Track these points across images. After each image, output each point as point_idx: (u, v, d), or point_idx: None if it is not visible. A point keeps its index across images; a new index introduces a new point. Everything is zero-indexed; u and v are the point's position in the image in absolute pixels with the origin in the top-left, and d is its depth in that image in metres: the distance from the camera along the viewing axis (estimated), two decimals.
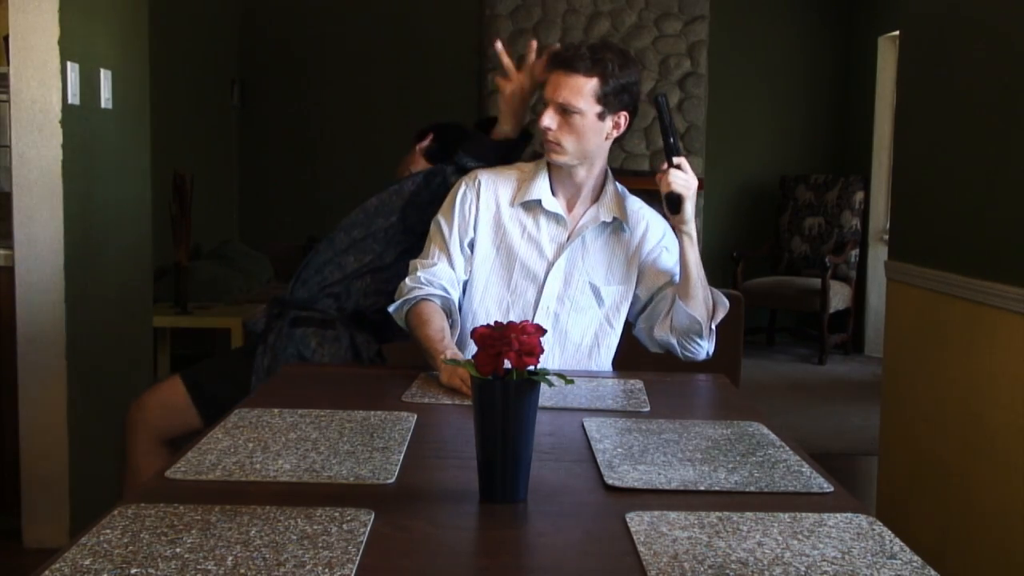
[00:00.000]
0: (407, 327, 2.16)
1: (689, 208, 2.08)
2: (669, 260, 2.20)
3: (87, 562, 1.07)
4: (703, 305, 2.11)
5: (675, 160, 2.08)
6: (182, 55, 5.99)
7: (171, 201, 5.12)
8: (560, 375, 1.35)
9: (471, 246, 2.20)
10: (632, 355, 2.30)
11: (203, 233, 6.29)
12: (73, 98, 3.09)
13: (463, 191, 2.22)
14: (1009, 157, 2.43)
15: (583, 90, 2.08)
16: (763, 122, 7.36)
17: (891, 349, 3.11)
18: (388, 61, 7.22)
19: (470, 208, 2.20)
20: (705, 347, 2.15)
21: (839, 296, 6.55)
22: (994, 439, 2.46)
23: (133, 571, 1.05)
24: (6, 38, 3.11)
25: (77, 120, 3.14)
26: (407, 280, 2.18)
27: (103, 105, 3.32)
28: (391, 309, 2.19)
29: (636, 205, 2.24)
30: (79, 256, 3.16)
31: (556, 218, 2.19)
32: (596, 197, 2.21)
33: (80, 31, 3.15)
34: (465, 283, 2.21)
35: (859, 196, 6.78)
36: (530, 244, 2.19)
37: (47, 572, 1.04)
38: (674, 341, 2.15)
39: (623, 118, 2.14)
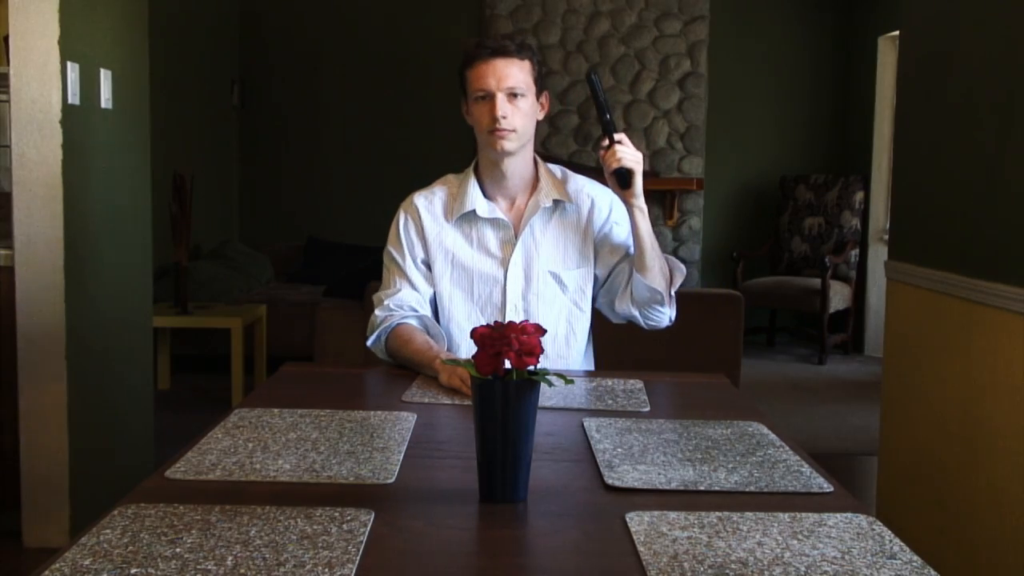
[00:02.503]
0: (388, 355, 2.16)
1: (639, 182, 2.07)
2: (621, 234, 2.21)
3: (87, 562, 1.07)
4: (660, 275, 2.13)
5: (616, 136, 2.07)
6: (182, 55, 5.99)
7: (171, 201, 5.12)
8: (560, 375, 1.35)
9: (426, 264, 2.21)
10: (633, 355, 2.30)
11: (203, 233, 6.30)
12: (73, 98, 3.09)
13: (403, 218, 2.24)
14: (1009, 157, 2.43)
15: (524, 71, 2.12)
16: (763, 122, 7.36)
17: (891, 349, 3.11)
18: (388, 61, 7.22)
19: (416, 232, 2.22)
20: (667, 314, 2.18)
21: (839, 296, 6.55)
22: (994, 439, 2.46)
23: (133, 571, 1.05)
24: (6, 38, 3.11)
25: (77, 120, 3.14)
26: (376, 312, 2.18)
27: (103, 105, 3.32)
28: (369, 343, 2.18)
29: (579, 183, 2.25)
30: (79, 256, 3.16)
31: (496, 222, 2.20)
32: (533, 187, 2.22)
33: (80, 31, 3.15)
34: (433, 298, 2.22)
35: (859, 196, 6.78)
36: (480, 252, 2.19)
37: (47, 572, 1.04)
38: (636, 312, 2.18)
39: (545, 98, 2.19)
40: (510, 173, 2.18)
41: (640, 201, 2.08)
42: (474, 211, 2.19)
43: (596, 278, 2.24)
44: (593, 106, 2.20)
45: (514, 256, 2.18)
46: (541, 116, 2.18)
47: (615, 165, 2.05)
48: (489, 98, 2.10)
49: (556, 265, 2.19)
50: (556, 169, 2.26)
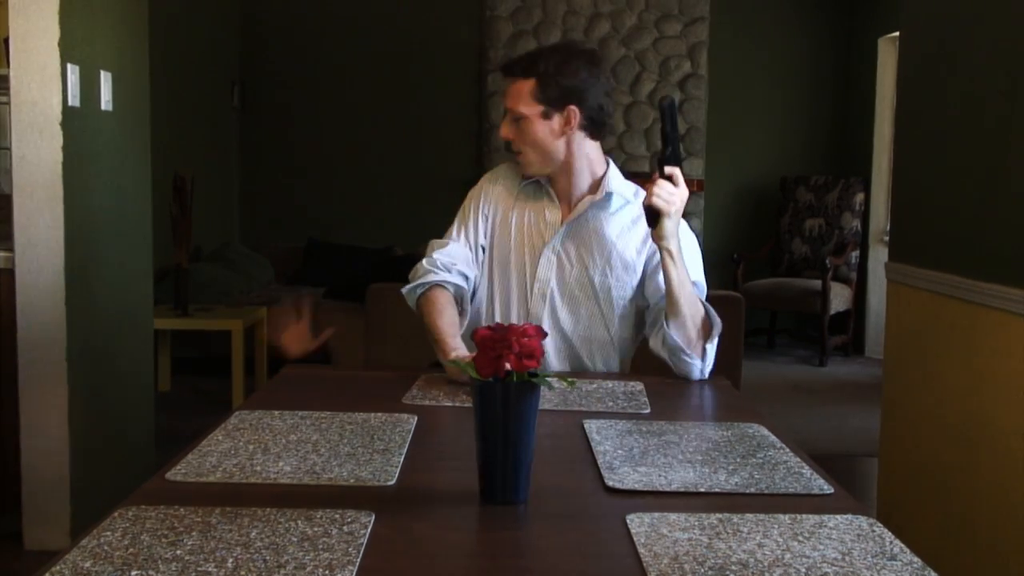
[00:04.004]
0: (417, 311, 2.19)
1: (669, 225, 1.98)
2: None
3: (87, 564, 1.07)
4: (691, 326, 2.03)
5: (667, 170, 1.97)
6: (182, 57, 5.99)
7: (171, 203, 5.12)
8: (561, 376, 1.35)
9: (483, 248, 2.23)
10: (633, 357, 2.30)
11: (203, 235, 6.30)
12: (73, 100, 3.09)
13: (484, 185, 2.27)
14: (1009, 158, 2.43)
15: (522, 93, 2.10)
16: (763, 123, 7.36)
17: (891, 351, 3.11)
18: (388, 63, 7.22)
19: (488, 204, 2.24)
20: (697, 366, 2.06)
21: (839, 298, 6.55)
22: (994, 440, 2.46)
23: (133, 573, 1.05)
24: (6, 40, 3.11)
25: (77, 122, 3.14)
26: (423, 261, 2.20)
27: (103, 107, 3.32)
28: (404, 290, 2.21)
29: (636, 192, 2.23)
30: (79, 258, 3.16)
31: (550, 204, 2.21)
32: (597, 188, 2.21)
33: (80, 33, 3.15)
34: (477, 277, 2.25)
35: (859, 197, 6.78)
36: (527, 231, 2.21)
37: (47, 574, 1.04)
38: (665, 356, 2.09)
39: (572, 113, 2.11)
40: (558, 185, 2.19)
41: (668, 243, 1.99)
42: (537, 183, 2.21)
43: (646, 304, 2.19)
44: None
45: (553, 241, 2.17)
46: (568, 132, 2.12)
47: (646, 202, 1.98)
48: (504, 116, 2.13)
49: (594, 263, 2.17)
50: (624, 178, 2.24)
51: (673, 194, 1.97)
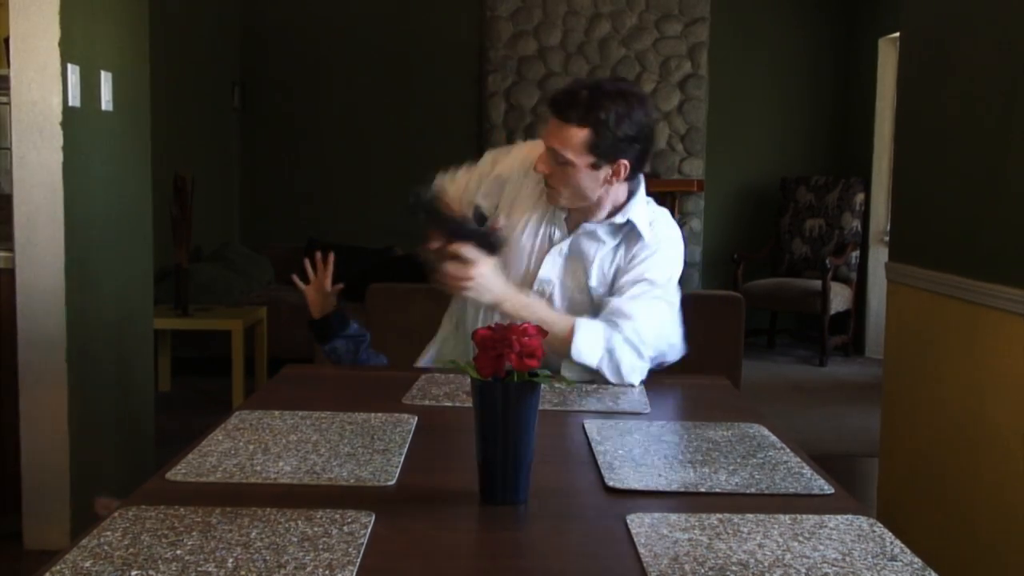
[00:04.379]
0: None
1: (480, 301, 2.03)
2: (630, 275, 2.09)
3: (88, 564, 1.07)
4: (572, 365, 1.95)
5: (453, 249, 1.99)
6: (183, 57, 5.99)
7: (171, 203, 5.12)
8: (561, 377, 1.35)
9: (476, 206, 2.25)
10: None
11: (203, 235, 6.30)
12: (74, 100, 3.09)
13: (520, 166, 2.21)
14: (1009, 158, 2.43)
15: (572, 141, 1.97)
16: (764, 124, 7.35)
17: (891, 351, 3.11)
18: (388, 63, 7.22)
19: (496, 182, 2.23)
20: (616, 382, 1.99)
21: (840, 298, 6.55)
22: (994, 440, 2.46)
23: (133, 573, 1.05)
24: (7, 40, 3.11)
25: (78, 122, 3.14)
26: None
27: (104, 107, 3.32)
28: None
29: (651, 217, 2.15)
30: (80, 258, 3.16)
31: (558, 215, 2.18)
32: (611, 215, 2.14)
33: (81, 33, 3.15)
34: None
35: (859, 198, 6.78)
36: (541, 232, 2.18)
37: (48, 574, 1.04)
38: None
39: (623, 167, 2.01)
40: (580, 208, 2.14)
41: (502, 307, 2.00)
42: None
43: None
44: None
45: (562, 245, 2.13)
46: (614, 181, 2.03)
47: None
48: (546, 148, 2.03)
49: (594, 274, 2.12)
50: (645, 208, 2.15)
51: (459, 277, 1.96)
